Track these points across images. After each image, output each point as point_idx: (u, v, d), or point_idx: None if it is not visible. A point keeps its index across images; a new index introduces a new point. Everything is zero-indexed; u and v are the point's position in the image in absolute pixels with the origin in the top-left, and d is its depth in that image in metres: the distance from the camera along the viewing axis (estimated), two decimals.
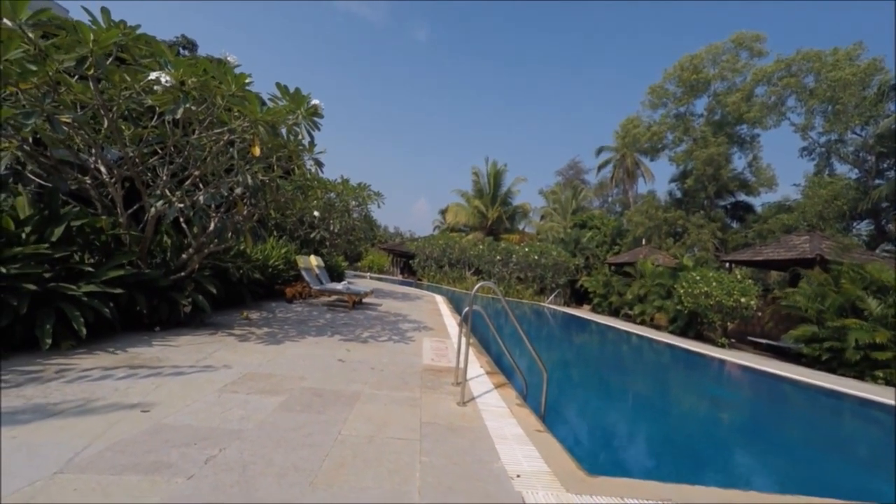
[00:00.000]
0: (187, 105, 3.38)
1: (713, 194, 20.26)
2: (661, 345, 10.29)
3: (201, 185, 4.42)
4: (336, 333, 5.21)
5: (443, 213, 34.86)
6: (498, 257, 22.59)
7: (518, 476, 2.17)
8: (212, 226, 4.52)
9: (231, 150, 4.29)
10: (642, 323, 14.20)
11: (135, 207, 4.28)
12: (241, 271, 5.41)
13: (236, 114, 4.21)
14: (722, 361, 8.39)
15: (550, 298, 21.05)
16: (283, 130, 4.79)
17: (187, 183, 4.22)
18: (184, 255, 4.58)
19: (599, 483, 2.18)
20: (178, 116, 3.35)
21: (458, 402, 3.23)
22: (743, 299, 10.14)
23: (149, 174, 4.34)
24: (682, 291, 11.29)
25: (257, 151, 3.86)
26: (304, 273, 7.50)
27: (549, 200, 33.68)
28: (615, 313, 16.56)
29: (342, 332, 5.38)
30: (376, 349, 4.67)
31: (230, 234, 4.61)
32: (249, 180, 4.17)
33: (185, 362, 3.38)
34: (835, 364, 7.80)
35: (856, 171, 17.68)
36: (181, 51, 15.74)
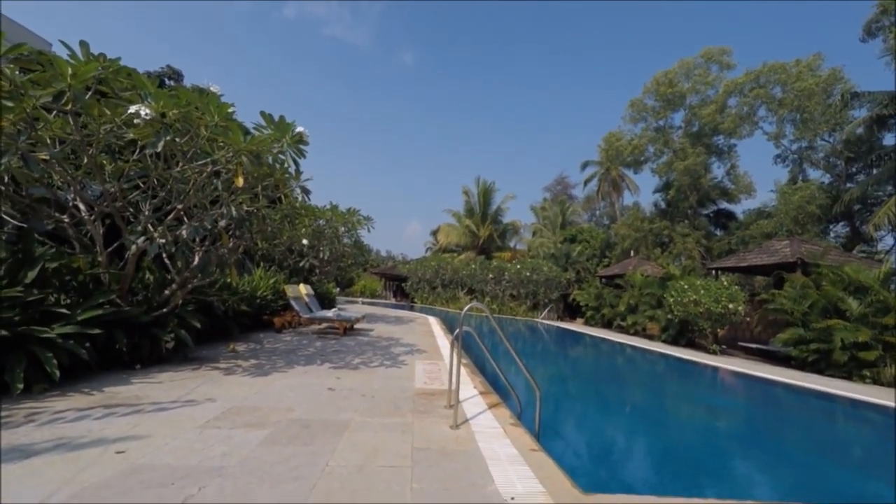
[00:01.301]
0: (169, 137, 3.43)
1: (695, 203, 20.92)
2: (654, 354, 10.34)
3: (185, 219, 4.41)
4: (326, 361, 5.12)
5: (434, 234, 35.09)
6: (490, 276, 22.69)
7: (512, 498, 2.15)
8: (196, 260, 4.49)
9: (215, 181, 4.33)
10: (635, 333, 14.27)
11: (115, 245, 4.23)
12: (227, 304, 5.33)
13: (220, 144, 4.27)
14: (715, 368, 8.46)
15: (544, 314, 21.07)
16: (269, 159, 4.87)
17: (170, 217, 4.21)
18: (166, 291, 4.51)
19: (594, 502, 2.16)
20: (159, 150, 3.39)
21: (451, 425, 3.19)
22: (731, 305, 10.32)
23: (130, 210, 4.32)
24: (671, 300, 11.46)
25: (241, 182, 3.91)
26: (292, 302, 7.43)
27: (539, 216, 34.26)
28: (608, 325, 16.64)
29: (332, 359, 5.29)
30: (367, 375, 4.60)
31: (215, 268, 4.57)
32: (234, 212, 4.19)
33: (165, 399, 3.29)
34: (822, 365, 7.92)
35: (827, 175, 18.57)
36: (166, 81, 15.96)
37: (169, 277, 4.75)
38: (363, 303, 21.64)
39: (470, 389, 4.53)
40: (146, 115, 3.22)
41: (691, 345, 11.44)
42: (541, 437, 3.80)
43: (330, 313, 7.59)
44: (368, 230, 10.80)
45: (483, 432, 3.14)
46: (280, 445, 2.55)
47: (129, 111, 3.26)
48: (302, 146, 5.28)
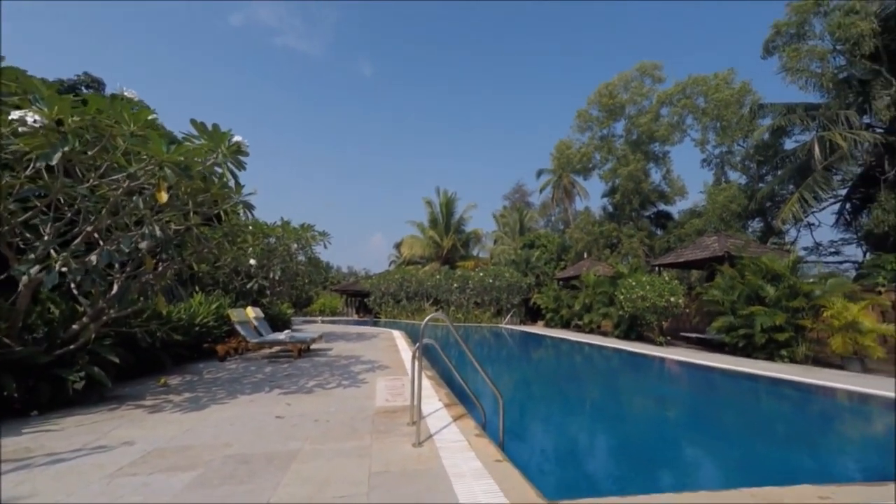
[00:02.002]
0: (68, 148, 3.00)
1: (638, 206, 22.67)
2: (609, 350, 10.89)
3: (100, 242, 3.88)
4: (276, 387, 4.74)
5: (398, 246, 34.66)
6: (455, 285, 22.78)
7: None
8: (115, 289, 3.96)
9: (136, 198, 3.87)
10: (591, 331, 15.00)
11: (2, 276, 3.59)
12: (157, 334, 4.74)
13: (143, 157, 3.85)
14: (662, 359, 9.07)
15: (507, 319, 21.49)
16: (205, 172, 4.48)
17: (77, 241, 3.66)
18: (75, 326, 3.91)
19: None
20: (53, 162, 2.94)
21: (414, 443, 3.05)
22: (672, 298, 11.21)
23: (22, 234, 3.68)
24: (621, 297, 12.20)
25: (164, 197, 3.52)
26: (238, 327, 6.82)
27: (500, 224, 35.19)
28: (567, 325, 17.35)
29: (283, 384, 4.91)
30: (322, 398, 4.32)
31: (137, 297, 4.05)
32: (158, 232, 3.75)
33: (66, 447, 2.81)
34: (749, 349, 8.75)
35: (744, 177, 21.05)
36: (83, 89, 14.34)
37: (81, 310, 4.13)
38: (322, 321, 20.65)
39: (435, 403, 4.42)
40: (34, 121, 2.79)
41: (640, 338, 12.22)
42: (506, 445, 3.79)
43: (282, 335, 7.08)
44: (325, 246, 10.35)
45: (447, 447, 3.05)
46: (210, 488, 2.26)
47: (11, 117, 2.82)
48: (241, 157, 4.95)
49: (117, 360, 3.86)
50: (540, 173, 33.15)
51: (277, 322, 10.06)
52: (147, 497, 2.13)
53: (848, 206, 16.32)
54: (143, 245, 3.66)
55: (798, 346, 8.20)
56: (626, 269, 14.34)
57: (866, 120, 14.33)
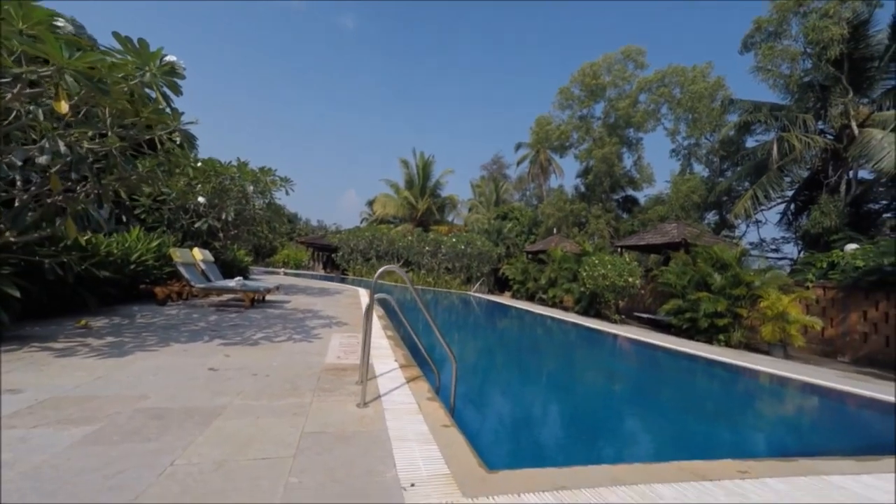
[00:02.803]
0: None
1: (608, 188, 22.96)
2: (568, 324, 11.22)
3: None
4: (218, 338, 4.30)
5: (371, 204, 33.41)
6: (427, 248, 22.45)
7: (412, 485, 1.86)
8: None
9: (33, 109, 3.08)
10: (553, 305, 15.42)
11: None
12: (73, 268, 4.04)
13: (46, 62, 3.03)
14: (615, 336, 9.44)
15: (475, 287, 21.70)
16: (137, 94, 3.70)
17: None
18: None
19: (498, 480, 1.99)
20: None
21: (358, 403, 2.81)
22: (630, 279, 11.58)
23: None
24: (584, 274, 12.47)
25: (64, 108, 2.80)
26: (181, 269, 6.11)
27: (476, 193, 34.69)
28: (531, 298, 17.73)
29: (227, 335, 4.47)
30: (267, 351, 3.96)
31: (42, 220, 3.36)
32: (63, 148, 3.03)
33: None
34: (693, 332, 9.31)
35: (707, 170, 21.70)
36: None
37: None
38: (285, 274, 19.73)
39: (390, 363, 4.20)
40: None
41: (598, 315, 12.69)
42: (459, 410, 3.65)
43: (232, 283, 6.48)
44: (287, 192, 9.57)
45: (394, 409, 2.83)
46: (106, 445, 1.90)
47: None
48: (176, 80, 4.16)
49: (17, 294, 3.22)
50: (518, 146, 32.58)
51: (233, 269, 9.32)
52: (22, 455, 1.74)
53: (792, 206, 17.31)
54: (42, 160, 2.94)
55: (734, 331, 8.76)
56: (591, 247, 14.59)
57: (821, 125, 14.86)
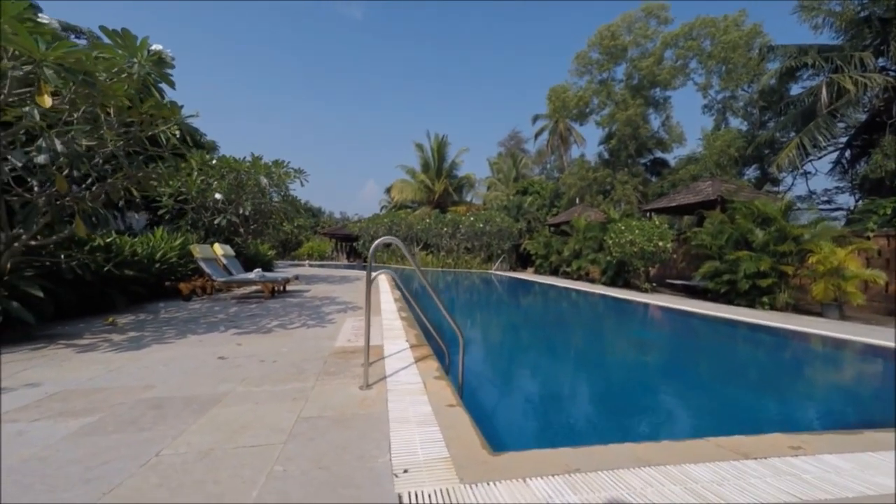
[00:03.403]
0: None
1: (634, 152, 21.41)
2: (595, 296, 10.68)
3: None
4: (234, 328, 4.33)
5: (388, 191, 33.37)
6: (445, 229, 22.18)
7: (405, 471, 1.68)
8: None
9: (29, 107, 3.05)
10: (579, 278, 14.80)
11: None
12: (91, 267, 4.17)
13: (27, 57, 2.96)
14: (646, 305, 8.84)
15: (496, 265, 21.31)
16: (134, 90, 3.62)
17: None
18: None
19: (503, 462, 1.76)
20: None
21: (361, 385, 2.67)
22: (661, 243, 10.76)
23: None
24: (610, 242, 11.74)
25: (47, 101, 2.73)
26: (202, 264, 6.26)
27: (493, 170, 33.68)
28: (555, 272, 17.12)
29: (243, 325, 4.50)
30: (280, 338, 3.92)
31: (52, 221, 3.42)
32: (59, 146, 2.99)
33: None
34: (732, 295, 8.48)
35: (745, 123, 19.59)
36: None
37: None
38: (310, 265, 20.21)
39: (401, 343, 4.05)
40: None
41: (627, 285, 11.99)
42: (474, 389, 3.47)
43: (252, 275, 6.58)
44: (302, 183, 9.55)
45: (398, 390, 2.67)
46: (99, 436, 1.85)
47: None
48: (167, 71, 4.05)
49: (41, 294, 3.34)
50: (536, 119, 31.02)
51: (256, 263, 9.55)
52: (16, 447, 1.71)
53: (847, 153, 15.31)
54: (41, 159, 2.92)
55: (781, 292, 7.91)
56: (617, 214, 13.71)
57: (881, 63, 12.81)
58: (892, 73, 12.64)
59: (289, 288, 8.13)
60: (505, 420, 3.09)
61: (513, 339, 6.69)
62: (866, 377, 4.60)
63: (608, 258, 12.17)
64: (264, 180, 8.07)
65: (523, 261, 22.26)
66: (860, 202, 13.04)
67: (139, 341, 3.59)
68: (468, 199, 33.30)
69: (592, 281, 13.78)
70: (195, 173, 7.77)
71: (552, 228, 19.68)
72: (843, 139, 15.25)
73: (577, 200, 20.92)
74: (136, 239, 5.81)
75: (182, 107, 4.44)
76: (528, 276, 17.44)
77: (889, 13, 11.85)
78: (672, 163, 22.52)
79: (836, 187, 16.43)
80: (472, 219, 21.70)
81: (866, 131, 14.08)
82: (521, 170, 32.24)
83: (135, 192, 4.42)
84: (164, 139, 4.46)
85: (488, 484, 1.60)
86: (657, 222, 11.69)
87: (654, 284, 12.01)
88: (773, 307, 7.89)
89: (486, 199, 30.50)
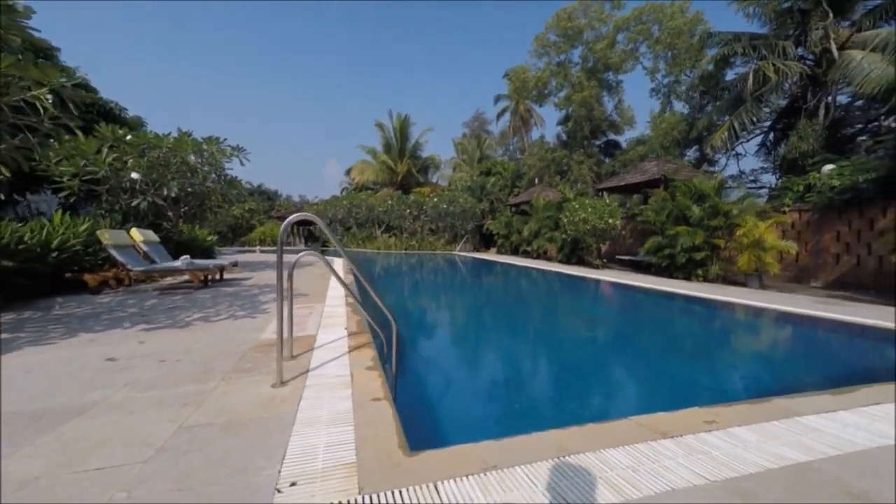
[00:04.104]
0: None
1: (589, 134, 21.85)
2: (547, 274, 10.88)
3: None
4: (144, 322, 3.75)
5: (348, 172, 31.79)
6: (408, 211, 21.59)
7: (293, 484, 1.40)
8: None
9: None
10: (538, 257, 15.08)
11: None
12: None
13: None
14: (594, 281, 9.11)
15: (460, 245, 21.24)
16: None
17: None
18: None
19: (416, 464, 1.54)
20: None
21: (274, 383, 2.33)
22: (611, 220, 11.11)
23: None
24: (565, 221, 11.95)
25: None
26: (114, 253, 5.36)
27: (459, 151, 33.11)
28: (516, 251, 17.33)
29: (157, 319, 3.92)
30: (195, 333, 3.43)
31: None
32: None
33: None
34: (672, 269, 8.97)
35: (687, 107, 20.57)
36: None
37: None
38: (262, 251, 18.84)
39: (339, 332, 3.73)
40: None
41: (581, 262, 12.33)
42: (416, 378, 3.25)
43: (177, 262, 5.79)
44: (242, 162, 8.59)
45: (319, 384, 2.37)
46: None
47: None
48: (24, 21, 3.23)
49: None
50: (497, 99, 30.63)
51: (192, 250, 8.54)
52: None
53: (771, 136, 16.61)
54: None
55: (712, 264, 8.45)
56: (572, 193, 13.96)
57: (800, 52, 13.79)
58: (808, 62, 13.65)
59: (227, 276, 7.37)
60: (440, 411, 2.85)
61: (462, 322, 6.51)
62: (779, 343, 4.93)
63: (563, 236, 12.42)
64: (193, 158, 7.09)
65: (487, 241, 22.36)
66: (780, 181, 14.28)
67: (8, 344, 2.93)
68: (434, 180, 32.62)
69: (550, 259, 14.10)
70: (105, 150, 6.65)
71: (513, 208, 19.80)
72: (768, 123, 16.49)
73: (537, 181, 21.13)
74: (26, 224, 4.83)
75: (78, 68, 3.59)
76: (489, 256, 17.55)
77: (808, 4, 12.63)
78: (624, 144, 23.32)
79: (762, 167, 17.89)
80: (435, 200, 21.27)
81: (786, 116, 15.27)
82: (486, 151, 32.01)
83: (3, 171, 3.55)
84: (41, 108, 3.62)
85: (393, 493, 1.37)
86: (608, 201, 12.05)
87: (605, 261, 12.49)
88: (706, 279, 8.43)
89: (452, 180, 30.06)
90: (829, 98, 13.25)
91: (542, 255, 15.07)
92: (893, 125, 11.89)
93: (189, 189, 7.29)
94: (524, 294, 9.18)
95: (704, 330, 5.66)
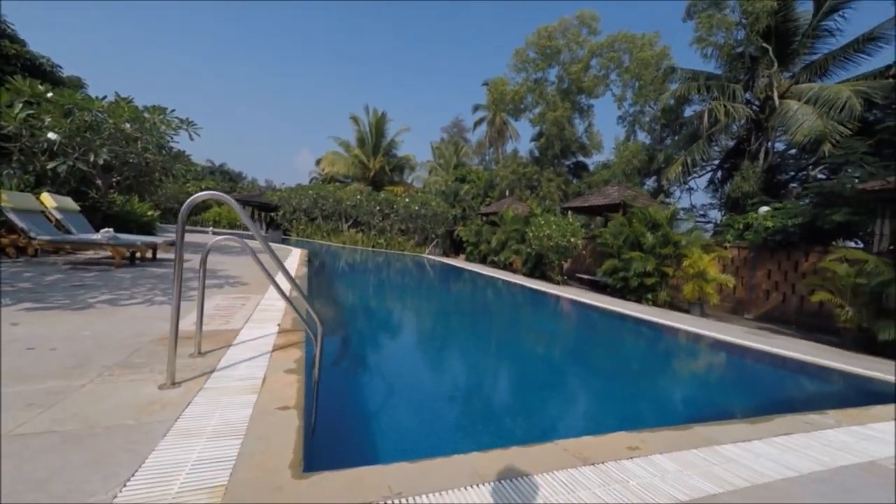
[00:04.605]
0: None
1: (559, 153, 22.68)
2: (511, 286, 10.91)
3: None
4: (32, 301, 3.16)
5: (318, 162, 30.60)
6: (378, 208, 21.05)
7: None
8: None
9: None
10: (504, 268, 15.21)
11: None
12: None
13: None
14: (553, 297, 9.26)
15: (429, 249, 21.04)
16: None
17: None
18: None
19: (303, 489, 1.31)
20: None
21: (163, 384, 1.97)
22: (572, 239, 11.44)
23: None
24: (531, 235, 12.15)
25: None
26: (12, 217, 4.53)
27: (436, 155, 33.07)
28: (483, 260, 17.41)
29: (52, 298, 3.33)
30: (92, 317, 2.93)
31: None
32: None
33: None
34: (625, 291, 9.36)
35: (649, 137, 22.02)
36: None
37: None
38: (214, 233, 17.39)
39: (269, 328, 3.37)
40: None
41: (543, 277, 12.56)
42: (347, 384, 2.96)
43: (96, 236, 5.04)
44: (191, 136, 7.84)
45: (221, 388, 2.05)
46: None
47: None
48: None
49: None
50: (476, 108, 31.02)
51: (128, 225, 7.54)
52: None
53: (719, 174, 18.14)
54: None
55: (661, 290, 8.91)
56: (538, 209, 14.29)
57: (748, 96, 15.19)
58: (754, 107, 15.09)
59: (161, 256, 6.58)
60: (364, 424, 2.57)
61: (414, 328, 6.27)
62: (713, 369, 5.15)
63: (529, 250, 12.62)
64: (128, 126, 6.33)
65: (457, 247, 22.33)
66: (724, 217, 15.56)
67: None
68: (409, 180, 32.26)
69: (515, 271, 14.26)
70: (17, 105, 5.79)
71: (484, 217, 19.97)
72: (717, 161, 18.02)
73: (508, 193, 21.53)
74: None
75: None
76: (458, 262, 17.48)
77: (758, 52, 13.97)
78: (591, 167, 24.45)
79: (710, 203, 19.47)
80: (407, 200, 20.94)
81: (733, 156, 16.75)
82: (462, 158, 32.23)
83: None
84: None
85: None
86: (571, 220, 12.42)
87: (566, 277, 12.83)
88: (655, 303, 8.87)
89: (427, 182, 29.89)
90: (769, 143, 14.67)
91: (508, 267, 15.24)
92: (819, 176, 13.31)
93: (127, 159, 6.45)
94: (484, 304, 9.14)
95: (648, 352, 5.86)
